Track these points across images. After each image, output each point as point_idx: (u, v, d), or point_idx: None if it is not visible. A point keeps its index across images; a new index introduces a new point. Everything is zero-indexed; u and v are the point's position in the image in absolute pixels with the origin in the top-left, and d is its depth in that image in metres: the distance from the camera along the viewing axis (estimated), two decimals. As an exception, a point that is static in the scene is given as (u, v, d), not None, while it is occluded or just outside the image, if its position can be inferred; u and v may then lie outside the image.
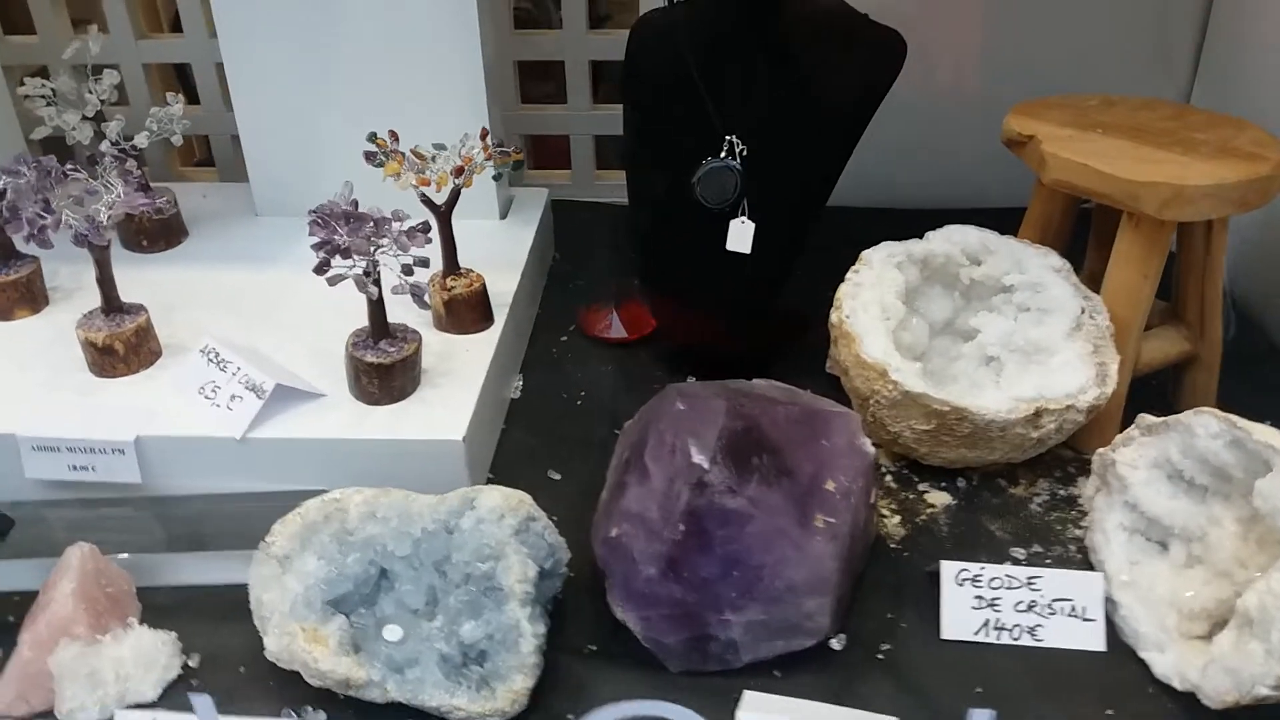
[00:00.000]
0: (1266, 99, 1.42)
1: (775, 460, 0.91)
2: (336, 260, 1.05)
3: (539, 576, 0.94)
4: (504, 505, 0.95)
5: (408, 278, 1.08)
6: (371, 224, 1.07)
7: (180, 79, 1.81)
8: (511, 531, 0.94)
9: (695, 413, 0.91)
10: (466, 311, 1.24)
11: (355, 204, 1.07)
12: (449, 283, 1.24)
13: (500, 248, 1.43)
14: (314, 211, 1.06)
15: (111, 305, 1.18)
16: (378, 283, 1.08)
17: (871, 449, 0.99)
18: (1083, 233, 1.30)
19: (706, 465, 0.88)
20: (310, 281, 1.34)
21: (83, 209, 1.09)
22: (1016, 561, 1.07)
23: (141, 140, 1.32)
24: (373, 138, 1.20)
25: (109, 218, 1.09)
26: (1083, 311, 1.12)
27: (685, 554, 0.90)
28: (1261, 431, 0.88)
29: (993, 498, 1.15)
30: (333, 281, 1.06)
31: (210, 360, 1.16)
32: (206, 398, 1.13)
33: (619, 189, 1.79)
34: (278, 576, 0.96)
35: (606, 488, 1.02)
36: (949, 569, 0.99)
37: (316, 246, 1.05)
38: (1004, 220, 1.26)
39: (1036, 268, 1.15)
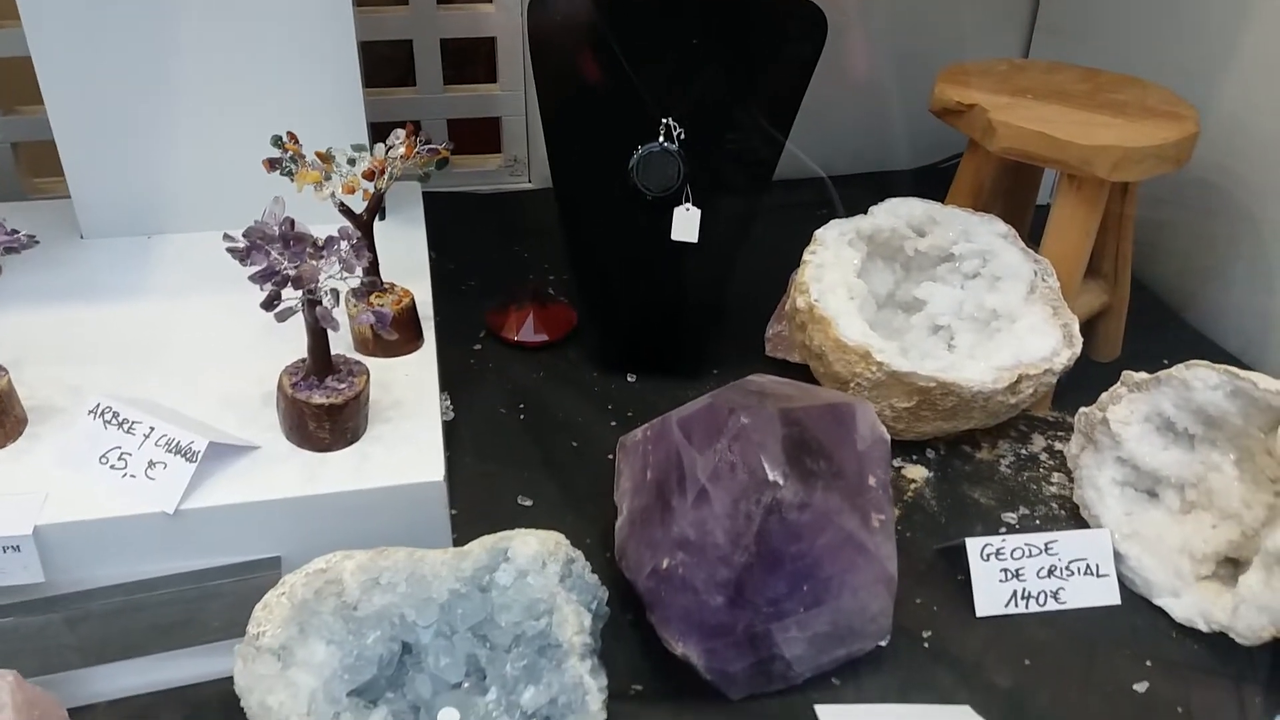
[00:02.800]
0: (1101, 52, 1.51)
1: (828, 463, 0.87)
2: (286, 291, 0.89)
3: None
4: (543, 551, 0.85)
5: (362, 302, 0.94)
6: (311, 245, 0.91)
7: None
8: (558, 579, 0.84)
9: (755, 425, 0.84)
10: (399, 331, 1.10)
11: (291, 222, 0.91)
12: (376, 301, 1.10)
13: (395, 252, 1.27)
14: (245, 235, 0.89)
15: (-40, 369, 0.95)
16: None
17: (888, 435, 0.97)
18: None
19: (782, 481, 0.82)
20: (181, 314, 1.17)
21: (-75, 254, 0.86)
22: (1011, 527, 1.09)
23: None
24: (278, 141, 1.03)
25: (-33, 263, 0.87)
26: (1035, 275, 1.15)
27: (754, 577, 0.84)
28: (1266, 380, 0.93)
29: (964, 465, 1.17)
30: (282, 317, 0.90)
31: (107, 422, 0.96)
32: (113, 468, 0.94)
33: (478, 176, 1.68)
34: (280, 673, 0.81)
35: (629, 511, 0.94)
36: (973, 545, 0.99)
37: (260, 278, 0.89)
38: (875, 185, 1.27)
39: (985, 235, 1.17)
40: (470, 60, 1.73)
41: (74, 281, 1.22)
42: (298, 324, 0.94)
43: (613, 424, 1.20)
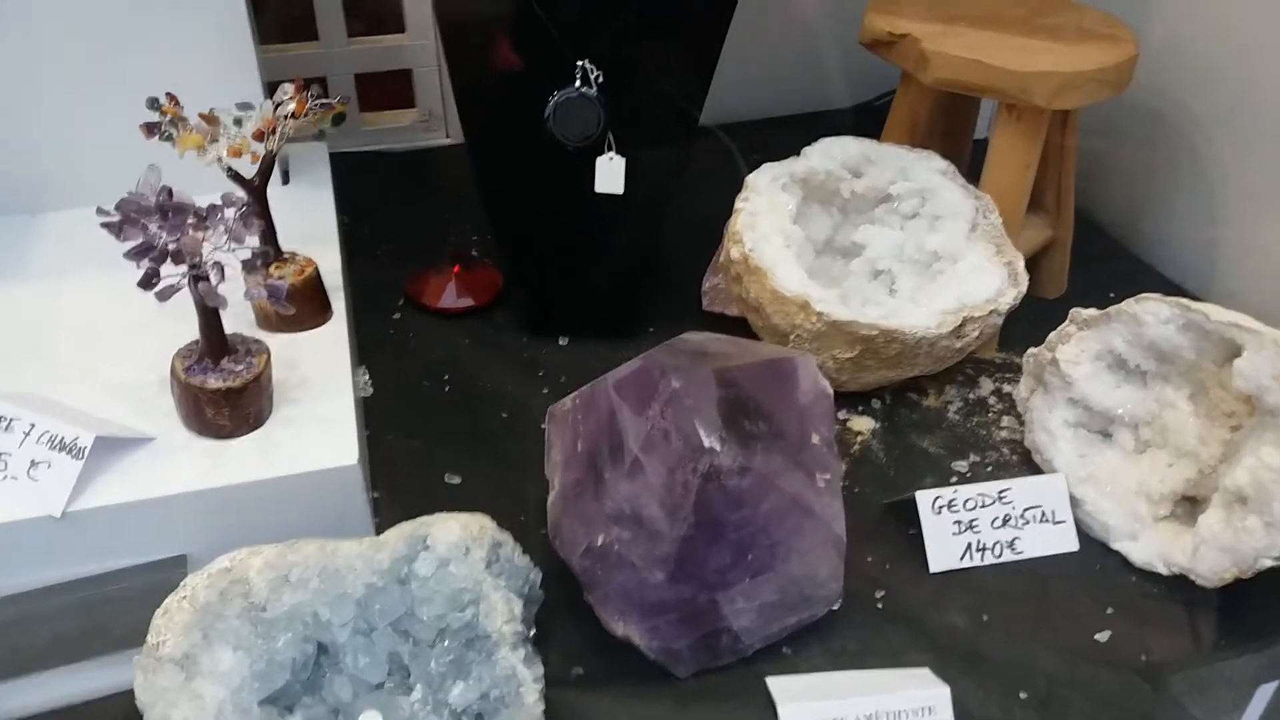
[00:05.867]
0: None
1: (768, 424, 0.81)
2: (166, 267, 0.81)
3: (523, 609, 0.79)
4: (466, 536, 0.79)
5: (255, 276, 0.86)
6: (193, 216, 0.83)
7: None
8: (483, 565, 0.78)
9: (688, 388, 0.78)
10: (302, 304, 1.02)
11: (168, 192, 0.82)
12: (274, 272, 1.01)
13: (299, 219, 1.19)
14: (118, 208, 0.81)
15: None
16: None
17: (831, 389, 0.91)
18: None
19: (718, 447, 0.76)
20: (67, 297, 1.08)
21: None
22: (962, 476, 1.05)
23: None
24: (154, 104, 0.94)
25: None
26: (976, 212, 1.10)
27: (694, 549, 0.79)
28: (1218, 312, 0.89)
29: (911, 414, 1.12)
30: (164, 296, 0.82)
31: (-18, 421, 0.87)
32: (-8, 471, 0.86)
33: (391, 133, 1.59)
34: (183, 685, 0.74)
35: (560, 486, 0.88)
36: (924, 498, 0.95)
37: (135, 254, 0.80)
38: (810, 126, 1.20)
39: (923, 172, 1.11)
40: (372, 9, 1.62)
41: (-54, 267, 1.12)
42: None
43: (545, 391, 1.14)
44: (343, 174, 1.45)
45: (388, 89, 1.57)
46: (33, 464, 0.85)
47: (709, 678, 0.85)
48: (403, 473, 1.03)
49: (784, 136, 1.26)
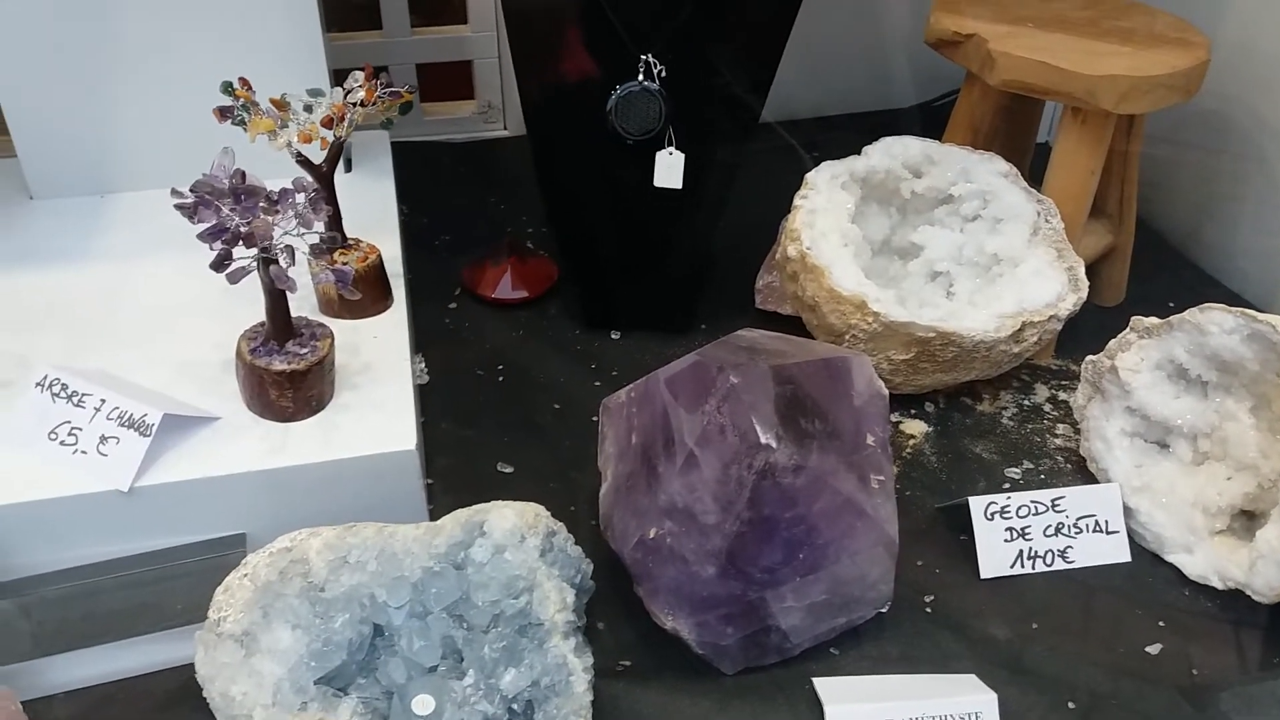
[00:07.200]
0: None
1: (823, 423, 0.81)
2: (238, 250, 0.83)
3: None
4: (521, 524, 0.80)
5: (322, 260, 0.87)
6: (264, 199, 0.85)
7: None
8: (538, 554, 0.79)
9: (745, 384, 0.78)
10: (366, 290, 1.04)
11: (241, 175, 0.84)
12: (339, 258, 1.03)
13: (361, 207, 1.21)
14: (192, 190, 0.83)
15: (-107, 341, 0.89)
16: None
17: (886, 390, 0.91)
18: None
19: (774, 444, 0.77)
20: (136, 277, 1.10)
21: None
22: (1015, 482, 1.04)
23: None
24: (228, 88, 0.96)
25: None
26: (1038, 215, 1.09)
27: (746, 545, 0.79)
28: (1285, 323, 0.88)
29: (965, 418, 1.12)
30: (234, 278, 0.84)
31: (56, 395, 0.90)
32: (63, 444, 0.88)
33: (450, 124, 1.61)
34: (243, 661, 0.76)
35: (613, 477, 0.88)
36: (977, 504, 0.94)
37: (208, 236, 0.82)
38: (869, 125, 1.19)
39: (985, 174, 1.10)
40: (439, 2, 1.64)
41: (22, 245, 1.15)
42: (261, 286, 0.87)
43: (597, 384, 1.14)
44: (402, 164, 1.47)
45: (447, 79, 1.59)
46: (102, 439, 0.88)
47: (755, 675, 0.85)
48: (456, 461, 1.04)
49: (845, 135, 1.26)
